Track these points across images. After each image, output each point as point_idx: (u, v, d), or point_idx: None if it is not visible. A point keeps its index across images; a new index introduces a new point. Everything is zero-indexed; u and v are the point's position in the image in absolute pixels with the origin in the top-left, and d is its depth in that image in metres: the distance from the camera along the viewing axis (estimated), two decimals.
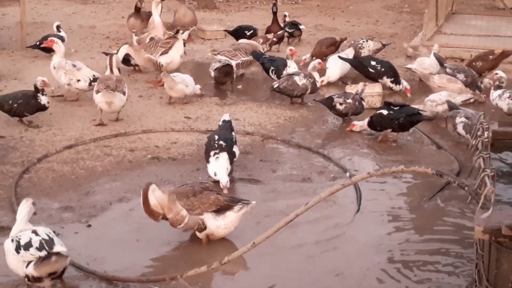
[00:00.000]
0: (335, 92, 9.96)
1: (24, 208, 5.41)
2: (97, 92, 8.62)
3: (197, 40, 13.78)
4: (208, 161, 7.24)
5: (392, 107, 8.61)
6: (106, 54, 11.54)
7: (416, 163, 7.81)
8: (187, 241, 6.16)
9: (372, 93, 9.91)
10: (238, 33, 13.40)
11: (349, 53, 11.58)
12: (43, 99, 8.59)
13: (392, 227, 6.54)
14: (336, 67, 10.99)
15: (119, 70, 9.26)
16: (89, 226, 6.40)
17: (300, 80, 9.79)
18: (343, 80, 11.13)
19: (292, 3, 19.09)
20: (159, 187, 5.99)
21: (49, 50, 9.86)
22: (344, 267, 5.81)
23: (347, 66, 11.10)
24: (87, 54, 12.32)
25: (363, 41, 12.16)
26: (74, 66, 9.48)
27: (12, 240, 5.18)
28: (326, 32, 14.78)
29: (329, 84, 10.97)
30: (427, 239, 6.32)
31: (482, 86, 10.29)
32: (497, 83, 9.35)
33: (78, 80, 9.42)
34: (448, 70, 10.60)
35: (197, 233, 6.07)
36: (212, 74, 10.46)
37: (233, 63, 10.63)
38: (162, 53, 10.44)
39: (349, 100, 9.20)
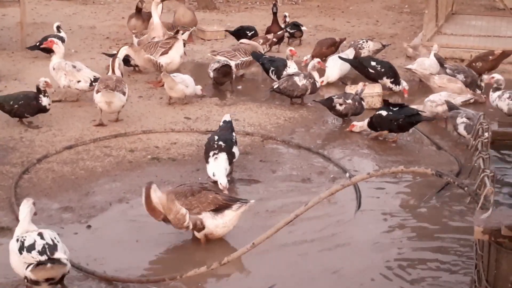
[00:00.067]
0: (335, 93, 9.96)
1: (25, 208, 5.41)
2: (97, 92, 8.62)
3: (197, 41, 13.79)
4: (207, 162, 7.25)
5: (391, 107, 8.61)
6: (106, 54, 11.61)
7: (416, 163, 7.82)
8: (187, 241, 6.16)
9: (372, 93, 9.91)
10: (239, 33, 13.40)
11: (350, 53, 11.58)
12: (45, 101, 8.57)
13: (392, 227, 6.54)
14: (335, 67, 10.99)
15: (121, 74, 9.27)
16: (89, 226, 6.40)
17: (300, 81, 9.80)
18: (342, 81, 11.13)
19: (292, 3, 19.10)
20: (159, 188, 6.01)
21: (49, 51, 9.88)
22: (343, 266, 5.81)
23: (347, 66, 11.10)
24: (87, 54, 12.32)
25: (363, 42, 12.16)
26: (74, 67, 9.49)
27: (17, 240, 5.18)
28: (326, 32, 14.77)
29: (329, 84, 10.97)
30: (427, 239, 6.32)
31: (482, 84, 10.27)
32: (495, 85, 9.36)
33: (79, 81, 9.42)
34: (448, 70, 10.61)
35: (195, 233, 6.07)
36: (211, 74, 10.46)
37: (232, 63, 10.63)
38: (162, 54, 10.44)
39: (349, 101, 9.20)
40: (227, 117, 7.87)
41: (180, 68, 10.99)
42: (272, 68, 10.62)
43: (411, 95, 10.51)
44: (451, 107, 8.79)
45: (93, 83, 9.28)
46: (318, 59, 10.31)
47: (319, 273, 5.72)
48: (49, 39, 10.30)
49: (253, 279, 5.67)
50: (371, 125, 8.72)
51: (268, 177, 7.55)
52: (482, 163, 5.25)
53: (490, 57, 11.34)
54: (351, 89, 9.86)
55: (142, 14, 12.96)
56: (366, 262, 5.89)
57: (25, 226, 5.33)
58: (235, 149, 7.42)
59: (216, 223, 6.00)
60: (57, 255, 5.05)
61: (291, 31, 13.69)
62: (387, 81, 10.54)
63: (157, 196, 5.90)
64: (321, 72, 10.48)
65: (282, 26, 13.66)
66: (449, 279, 5.65)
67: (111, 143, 8.34)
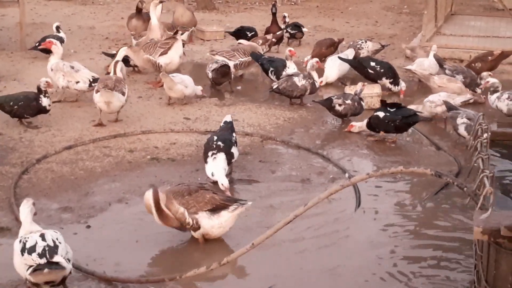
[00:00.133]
0: (334, 93, 9.97)
1: (25, 208, 5.41)
2: (97, 91, 8.62)
3: (196, 41, 13.79)
4: (206, 162, 7.25)
5: (388, 108, 8.61)
6: (106, 54, 11.61)
7: (415, 164, 7.82)
8: (187, 241, 6.16)
9: (371, 94, 9.92)
10: (239, 33, 13.40)
11: (349, 54, 11.59)
12: (45, 101, 8.55)
13: (392, 226, 6.54)
14: (334, 67, 11.00)
15: (124, 78, 9.26)
16: (88, 227, 6.40)
17: (300, 81, 9.80)
18: (342, 81, 11.14)
19: (291, 4, 19.11)
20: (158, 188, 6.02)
21: (49, 51, 9.88)
22: (343, 265, 5.82)
23: (346, 67, 11.11)
24: (86, 55, 12.32)
25: (362, 42, 12.17)
26: (72, 67, 9.48)
27: (20, 241, 5.16)
28: (326, 33, 14.78)
29: (328, 85, 10.98)
30: (427, 238, 6.33)
31: (482, 82, 10.23)
32: (491, 89, 9.37)
33: (77, 82, 9.42)
34: (447, 71, 10.61)
35: (193, 233, 6.07)
36: (210, 75, 10.45)
37: (231, 63, 10.63)
38: (161, 54, 10.43)
39: (348, 101, 9.20)
40: (228, 118, 7.88)
41: (179, 68, 10.99)
42: (271, 69, 10.62)
43: (411, 96, 10.52)
44: (449, 107, 8.80)
45: (92, 84, 9.28)
46: (317, 59, 10.32)
47: (318, 273, 5.72)
48: (47, 39, 10.27)
49: (252, 279, 5.67)
50: (369, 126, 8.74)
51: (267, 178, 7.55)
52: (482, 164, 5.25)
53: (489, 57, 11.36)
54: (350, 89, 9.86)
55: (143, 15, 12.92)
56: (365, 260, 5.89)
57: (28, 227, 5.32)
58: (234, 150, 7.42)
59: (212, 224, 5.99)
60: (56, 258, 5.01)
61: (292, 32, 13.69)
62: (386, 82, 10.55)
63: (163, 200, 5.89)
64: (320, 72, 10.48)
65: (282, 26, 13.66)
66: (449, 279, 5.65)
67: (110, 143, 8.34)
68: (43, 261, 4.98)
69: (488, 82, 9.50)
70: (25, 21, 12.81)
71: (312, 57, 11.56)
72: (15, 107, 8.57)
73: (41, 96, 8.53)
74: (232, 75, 10.59)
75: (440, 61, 11.03)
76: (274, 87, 9.93)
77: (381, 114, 8.59)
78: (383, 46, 12.39)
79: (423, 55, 11.49)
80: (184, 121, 9.21)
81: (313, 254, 6.03)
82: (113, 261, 5.80)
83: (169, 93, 9.69)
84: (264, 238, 5.32)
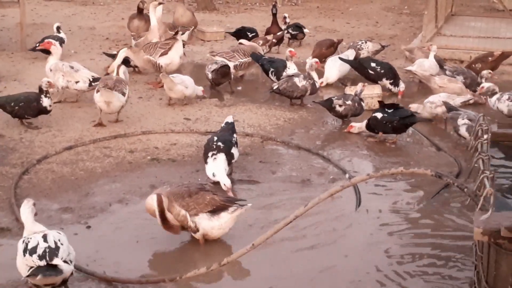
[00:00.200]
0: (334, 94, 9.98)
1: (26, 208, 5.40)
2: (97, 91, 8.63)
3: (196, 42, 13.79)
4: (206, 162, 7.26)
5: (386, 109, 8.61)
6: (107, 54, 11.61)
7: (415, 164, 7.82)
8: (187, 242, 6.16)
9: (371, 94, 9.92)
10: (240, 33, 13.40)
11: (350, 54, 11.59)
12: (46, 102, 8.53)
13: (392, 226, 6.54)
14: (334, 68, 11.00)
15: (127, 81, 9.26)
16: (89, 227, 6.40)
17: (300, 82, 9.80)
18: (342, 82, 11.14)
19: (292, 4, 19.12)
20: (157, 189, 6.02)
21: (49, 52, 9.88)
22: (342, 265, 5.83)
23: (346, 67, 11.11)
24: (86, 55, 12.33)
25: (362, 43, 12.18)
26: (72, 67, 9.47)
27: (23, 241, 5.15)
28: (326, 33, 14.79)
29: (328, 85, 10.98)
30: (426, 238, 6.33)
31: (482, 81, 10.21)
32: (489, 93, 9.37)
33: (77, 82, 9.42)
34: (447, 72, 10.62)
35: (193, 234, 6.07)
36: (209, 76, 10.45)
37: (231, 64, 10.64)
38: (162, 54, 10.44)
39: (349, 102, 9.20)
40: (229, 119, 7.88)
41: (180, 69, 10.99)
42: (271, 69, 10.62)
43: (411, 97, 10.51)
44: (449, 108, 8.80)
45: (92, 83, 9.28)
46: (316, 59, 10.32)
47: (318, 273, 5.72)
48: (46, 40, 10.27)
49: (252, 279, 5.67)
50: (368, 127, 8.75)
51: (268, 178, 7.55)
52: (482, 164, 5.26)
53: (490, 58, 11.36)
54: (350, 90, 9.86)
55: (144, 15, 12.91)
56: (366, 260, 5.89)
57: (30, 227, 5.31)
58: (234, 150, 7.42)
59: (212, 225, 5.99)
60: (55, 261, 4.97)
61: (293, 33, 13.69)
62: (386, 82, 10.55)
63: (166, 205, 5.88)
64: (320, 73, 10.48)
65: (282, 27, 13.66)
66: (449, 279, 5.65)
67: (110, 144, 8.34)
68: (42, 263, 4.96)
69: (483, 88, 9.52)
70: (26, 22, 12.82)
71: (313, 58, 11.57)
72: (16, 107, 8.57)
73: (42, 96, 8.53)
74: (232, 76, 10.59)
75: (440, 62, 11.03)
76: (274, 88, 9.93)
77: (379, 115, 8.60)
78: (383, 47, 12.39)
79: (421, 57, 11.49)
80: (185, 121, 9.21)
81: (313, 254, 6.03)
82: (113, 262, 5.79)
83: (170, 93, 9.69)
84: (264, 239, 5.32)
